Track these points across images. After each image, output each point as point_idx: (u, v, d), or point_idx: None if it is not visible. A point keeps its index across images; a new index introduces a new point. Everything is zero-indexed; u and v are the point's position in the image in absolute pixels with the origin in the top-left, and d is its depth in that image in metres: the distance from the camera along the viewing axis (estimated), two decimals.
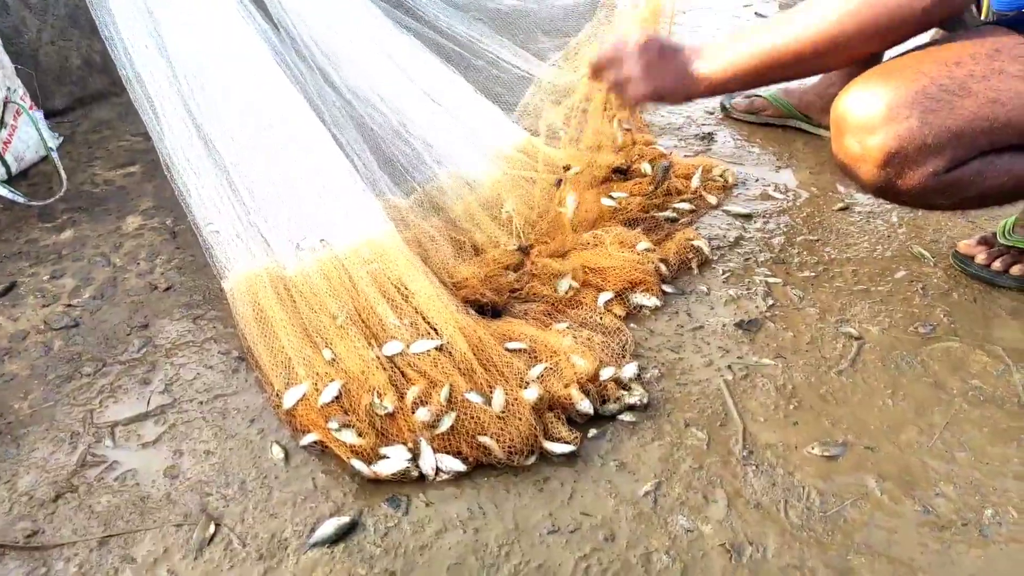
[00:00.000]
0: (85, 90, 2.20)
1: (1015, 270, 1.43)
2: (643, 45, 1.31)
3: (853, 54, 1.19)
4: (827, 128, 1.53)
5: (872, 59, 1.49)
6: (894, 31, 1.14)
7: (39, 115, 1.68)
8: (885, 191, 1.25)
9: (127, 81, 1.48)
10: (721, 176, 1.81)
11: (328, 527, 1.00)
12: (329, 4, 1.79)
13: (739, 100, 2.13)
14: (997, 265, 1.45)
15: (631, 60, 1.32)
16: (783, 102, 2.05)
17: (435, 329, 1.23)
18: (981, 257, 1.47)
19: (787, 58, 1.20)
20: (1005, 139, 1.19)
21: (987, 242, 1.49)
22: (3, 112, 1.68)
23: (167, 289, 1.47)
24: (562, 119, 1.75)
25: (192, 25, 1.57)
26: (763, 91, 2.10)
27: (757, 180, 1.85)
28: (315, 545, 0.98)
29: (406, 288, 1.28)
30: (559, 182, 1.65)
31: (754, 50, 1.22)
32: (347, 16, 1.78)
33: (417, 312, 1.25)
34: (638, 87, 1.34)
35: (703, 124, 2.13)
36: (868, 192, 1.30)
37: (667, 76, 1.31)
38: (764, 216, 1.70)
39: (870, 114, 1.20)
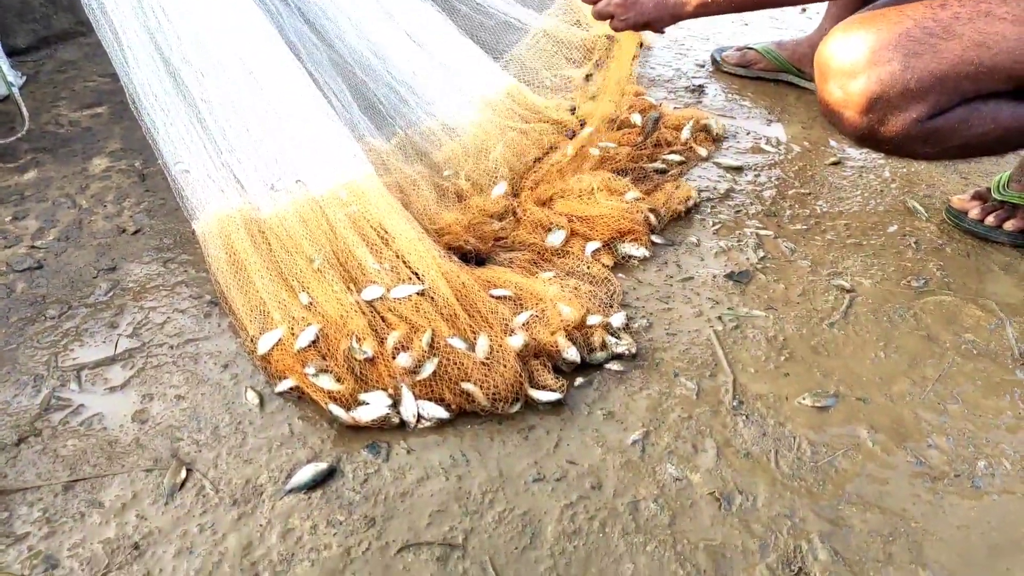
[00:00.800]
0: (49, 29, 2.10)
1: (1008, 225, 1.41)
2: None
3: None
4: None
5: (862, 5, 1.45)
6: None
7: None
8: (868, 138, 1.22)
9: (89, 10, 1.39)
10: (711, 128, 1.77)
11: (305, 473, 0.96)
12: None
13: (730, 53, 2.08)
14: (991, 220, 1.42)
15: None
16: (776, 55, 2.00)
17: (417, 274, 1.18)
18: (975, 212, 1.44)
19: None
20: (991, 84, 1.15)
21: (981, 197, 1.46)
22: None
23: (136, 232, 1.40)
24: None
25: None
26: (755, 44, 2.05)
27: (748, 133, 1.80)
28: (291, 491, 0.95)
29: (386, 232, 1.23)
30: (573, 134, 1.62)
31: None
32: None
33: (398, 256, 1.20)
34: (621, 20, 1.37)
35: (694, 77, 2.08)
36: (852, 140, 1.26)
37: (647, 5, 1.32)
38: (755, 169, 1.66)
39: (852, 58, 1.17)
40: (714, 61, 2.12)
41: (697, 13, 1.32)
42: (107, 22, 1.40)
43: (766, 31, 2.41)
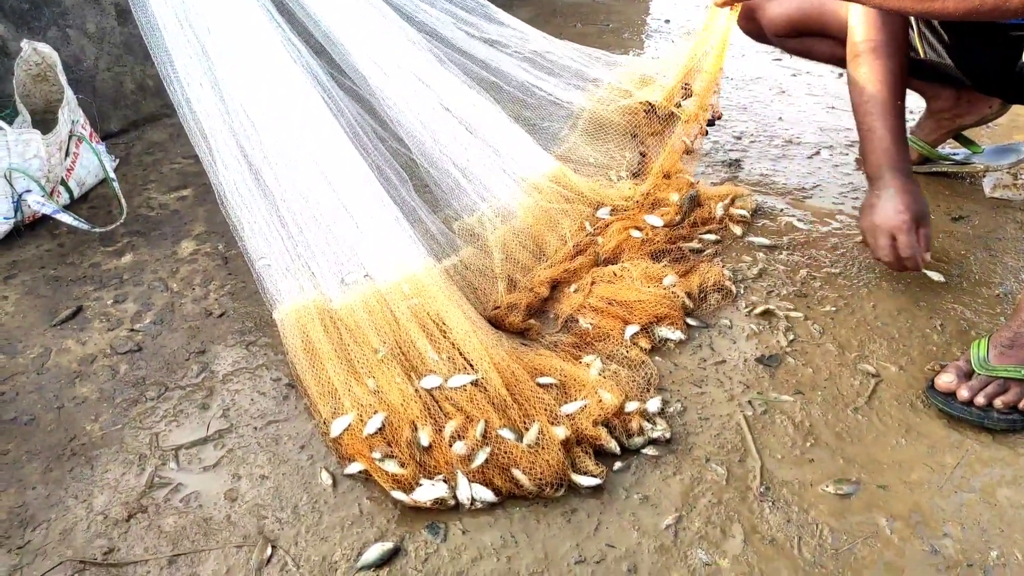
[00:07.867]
0: (139, 113, 2.32)
1: (999, 402, 1.28)
2: None
3: None
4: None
5: None
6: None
7: (102, 148, 1.79)
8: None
9: (184, 120, 1.58)
10: (746, 205, 1.87)
11: (373, 552, 1.09)
12: (379, 42, 1.86)
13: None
14: (980, 400, 1.29)
15: None
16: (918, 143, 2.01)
17: (471, 364, 1.31)
18: (964, 393, 1.30)
19: None
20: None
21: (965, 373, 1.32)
22: (68, 143, 1.79)
23: (221, 315, 1.57)
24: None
25: (243, 64, 1.66)
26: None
27: (782, 209, 1.90)
28: (362, 569, 1.08)
29: (444, 323, 1.37)
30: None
31: None
32: (393, 52, 1.86)
33: (454, 347, 1.34)
34: None
35: (730, 150, 2.18)
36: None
37: None
38: (788, 248, 1.76)
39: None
40: None
41: None
42: (199, 128, 1.58)
43: (802, 98, 2.50)
